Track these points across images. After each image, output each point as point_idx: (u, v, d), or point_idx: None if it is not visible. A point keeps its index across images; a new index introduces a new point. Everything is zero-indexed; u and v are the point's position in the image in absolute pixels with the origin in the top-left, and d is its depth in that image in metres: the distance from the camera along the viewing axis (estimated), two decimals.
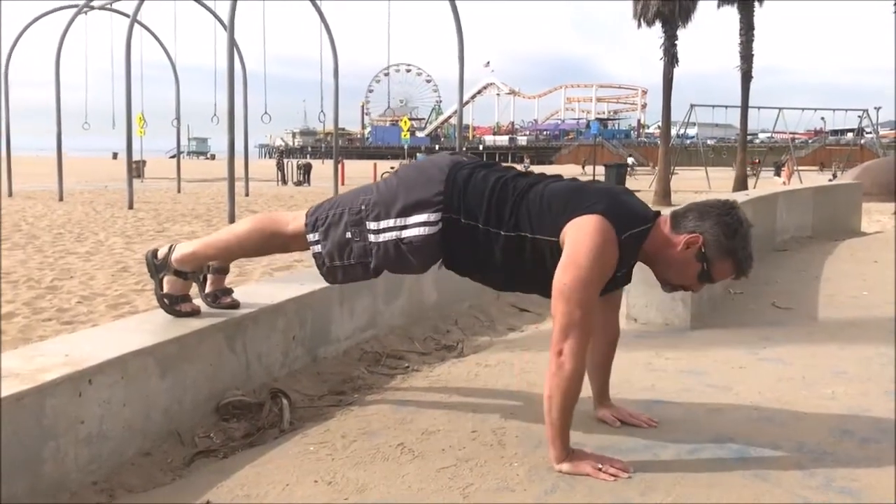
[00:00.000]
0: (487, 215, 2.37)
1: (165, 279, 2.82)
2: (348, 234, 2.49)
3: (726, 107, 33.33)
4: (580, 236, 2.22)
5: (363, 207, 2.48)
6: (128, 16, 19.70)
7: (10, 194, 21.29)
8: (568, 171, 56.89)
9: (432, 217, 2.39)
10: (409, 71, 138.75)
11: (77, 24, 21.63)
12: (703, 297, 4.76)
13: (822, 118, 75.73)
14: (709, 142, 66.81)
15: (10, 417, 1.99)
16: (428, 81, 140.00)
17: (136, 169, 24.90)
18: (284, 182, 34.62)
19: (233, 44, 14.84)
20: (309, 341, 3.38)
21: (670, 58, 22.95)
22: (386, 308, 4.04)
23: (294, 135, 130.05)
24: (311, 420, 2.82)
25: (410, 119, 50.57)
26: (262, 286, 3.47)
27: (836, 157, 49.48)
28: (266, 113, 22.74)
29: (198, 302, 2.93)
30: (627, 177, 25.31)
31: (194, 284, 2.92)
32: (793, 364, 3.51)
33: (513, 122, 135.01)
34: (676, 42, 23.07)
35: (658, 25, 23.05)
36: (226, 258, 2.92)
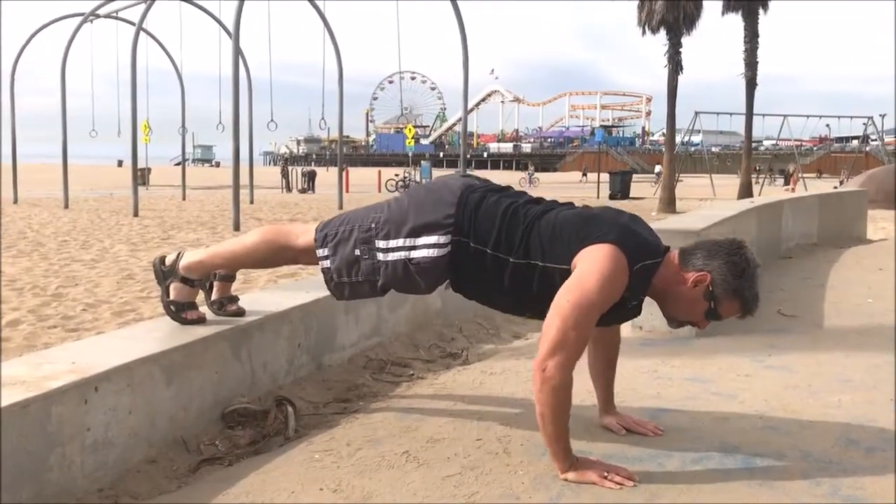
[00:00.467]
0: (497, 241, 2.37)
1: (172, 286, 2.82)
2: (357, 252, 2.49)
3: (731, 114, 33.38)
4: (591, 262, 2.21)
5: (373, 225, 2.47)
6: (133, 24, 19.80)
7: (16, 201, 21.36)
8: (572, 178, 56.92)
9: (442, 239, 2.39)
10: (413, 78, 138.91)
11: (83, 33, 21.77)
12: None
13: (828, 125, 75.34)
14: (713, 149, 66.75)
15: (16, 424, 2.00)
16: (432, 89, 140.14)
17: (141, 176, 24.98)
18: (289, 189, 34.68)
19: (238, 51, 14.90)
20: (314, 349, 3.38)
21: (675, 65, 22.95)
22: (391, 315, 4.04)
23: (298, 142, 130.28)
24: (316, 427, 2.83)
25: (415, 126, 50.66)
26: (267, 294, 3.47)
27: (841, 164, 49.41)
28: (272, 121, 22.78)
29: (203, 309, 2.94)
30: (653, 185, 25.26)
31: (201, 292, 2.93)
32: (798, 372, 3.50)
33: (517, 130, 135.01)
34: (681, 49, 23.07)
35: (662, 32, 23.05)
36: (233, 268, 2.93)
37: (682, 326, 2.44)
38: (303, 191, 33.92)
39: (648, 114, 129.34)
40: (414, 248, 2.41)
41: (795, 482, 2.23)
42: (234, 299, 3.02)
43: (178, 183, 27.88)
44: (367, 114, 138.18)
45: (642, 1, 23.21)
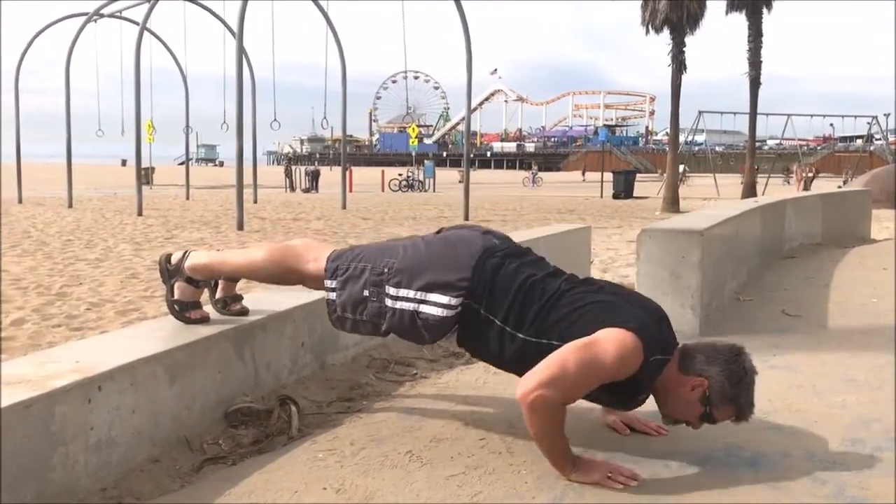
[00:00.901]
0: (508, 314, 2.35)
1: (177, 285, 2.83)
2: (366, 293, 2.47)
3: (735, 113, 33.48)
4: (610, 336, 2.19)
5: (386, 270, 2.45)
6: (137, 23, 19.83)
7: (20, 201, 21.40)
8: (574, 178, 56.89)
9: (453, 301, 2.37)
10: (416, 78, 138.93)
11: (87, 32, 21.79)
12: (712, 304, 4.75)
13: (832, 124, 75.44)
14: (717, 148, 66.64)
15: (19, 424, 2.00)
16: (436, 88, 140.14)
17: (145, 176, 25.03)
18: (293, 189, 34.72)
19: (241, 51, 14.91)
20: (317, 348, 3.38)
21: (678, 64, 22.92)
22: None
23: (302, 142, 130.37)
24: (319, 427, 2.82)
25: (418, 126, 50.65)
26: (271, 293, 3.47)
27: (845, 163, 49.30)
28: (275, 120, 22.80)
29: (207, 308, 2.94)
30: (680, 184, 25.14)
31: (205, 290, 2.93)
32: (803, 372, 3.50)
33: (520, 129, 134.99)
34: (684, 49, 23.04)
35: (666, 32, 23.02)
36: (238, 277, 2.93)
37: (678, 424, 2.42)
38: (306, 190, 33.94)
39: (652, 113, 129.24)
40: (424, 302, 2.39)
41: (800, 482, 2.23)
42: (238, 298, 3.02)
43: (182, 182, 27.95)
44: (371, 113, 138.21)
45: (646, 0, 23.17)
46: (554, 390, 2.13)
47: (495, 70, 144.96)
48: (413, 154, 43.26)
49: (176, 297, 2.83)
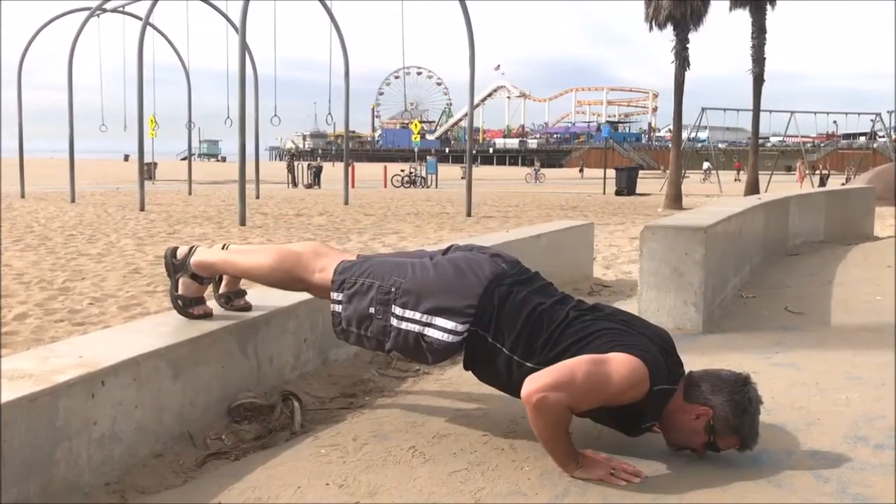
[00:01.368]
0: (516, 343, 2.35)
1: (181, 280, 2.83)
2: (372, 310, 2.46)
3: (738, 110, 33.29)
4: (619, 362, 2.19)
5: (393, 289, 2.44)
6: (140, 18, 19.80)
7: (23, 196, 21.42)
8: (574, 174, 56.85)
9: (459, 327, 2.37)
10: (419, 74, 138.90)
11: (90, 27, 21.79)
12: (715, 301, 4.74)
13: (835, 122, 75.31)
14: (720, 145, 66.56)
15: (23, 418, 2.00)
16: (438, 84, 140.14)
17: (147, 171, 25.04)
18: (295, 184, 34.72)
19: (244, 46, 14.90)
20: (320, 344, 3.38)
21: (682, 61, 22.87)
22: None
23: (304, 137, 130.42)
24: (322, 423, 2.83)
25: (421, 122, 50.60)
26: (274, 289, 3.47)
27: (848, 160, 49.23)
28: (276, 115, 22.80)
29: (211, 304, 2.94)
30: (702, 181, 25.12)
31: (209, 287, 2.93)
32: (806, 369, 3.49)
33: (523, 125, 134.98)
34: (688, 45, 22.99)
35: (669, 28, 22.98)
36: (242, 278, 2.93)
37: (681, 450, 2.42)
38: (309, 186, 33.95)
39: (655, 110, 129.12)
40: (429, 325, 2.39)
41: (803, 480, 2.23)
42: (242, 293, 3.02)
43: (185, 177, 27.94)
44: (373, 109, 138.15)
45: None
46: (559, 394, 2.13)
47: (498, 66, 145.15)
48: (415, 150, 43.22)
49: (180, 292, 2.83)
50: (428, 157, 40.06)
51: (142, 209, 17.32)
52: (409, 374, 3.49)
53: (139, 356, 2.41)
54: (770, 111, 33.71)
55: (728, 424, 2.26)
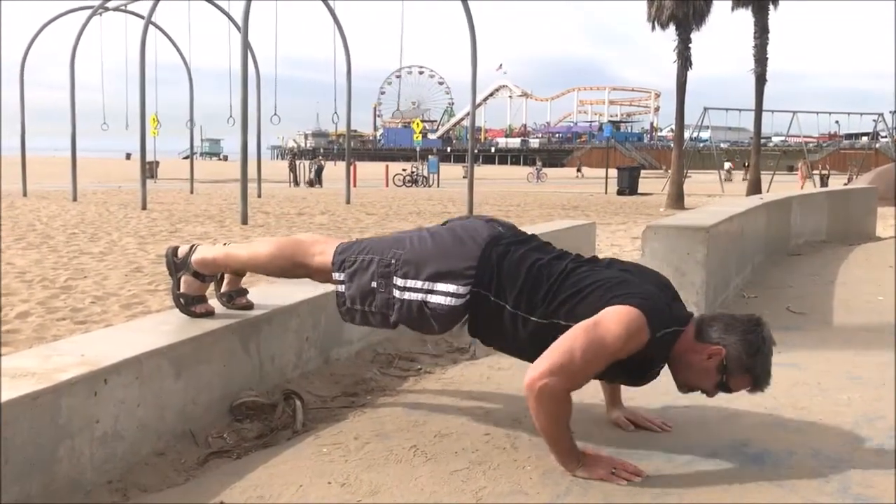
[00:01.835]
0: (518, 299, 2.36)
1: (183, 279, 2.83)
2: (374, 284, 2.48)
3: (740, 110, 33.28)
4: (614, 315, 2.19)
5: (393, 261, 2.46)
6: (142, 17, 19.80)
7: (25, 194, 21.43)
8: (573, 174, 56.77)
9: (461, 290, 2.38)
10: (421, 73, 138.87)
11: (92, 26, 21.78)
12: (716, 301, 4.74)
13: (837, 122, 75.16)
14: (722, 145, 66.49)
15: (26, 416, 2.01)
16: (440, 83, 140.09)
17: (149, 169, 25.01)
18: (297, 183, 34.73)
19: (246, 45, 14.90)
20: (322, 342, 3.39)
21: (684, 61, 22.85)
22: None
23: (306, 136, 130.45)
24: (323, 421, 2.83)
25: (423, 121, 50.60)
26: (275, 287, 3.47)
27: (850, 160, 49.16)
28: (275, 114, 22.79)
29: (212, 302, 2.94)
30: (725, 182, 25.09)
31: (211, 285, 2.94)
32: (808, 369, 3.49)
33: (525, 125, 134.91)
34: (690, 45, 22.97)
35: (672, 28, 22.96)
36: (245, 271, 2.94)
37: (692, 392, 2.42)
38: (311, 184, 33.96)
39: (657, 109, 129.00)
40: (431, 292, 2.40)
41: (805, 480, 2.23)
42: (244, 292, 3.02)
43: (186, 176, 27.94)
44: (375, 108, 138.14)
45: None
46: (561, 377, 2.14)
47: (500, 65, 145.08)
48: (417, 149, 43.22)
49: (182, 290, 2.84)
50: (430, 157, 40.07)
51: (144, 208, 17.31)
52: (410, 374, 3.49)
53: (141, 354, 2.41)
54: (772, 111, 33.63)
55: (741, 364, 2.26)
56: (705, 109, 32.63)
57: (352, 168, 23.92)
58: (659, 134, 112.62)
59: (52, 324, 5.82)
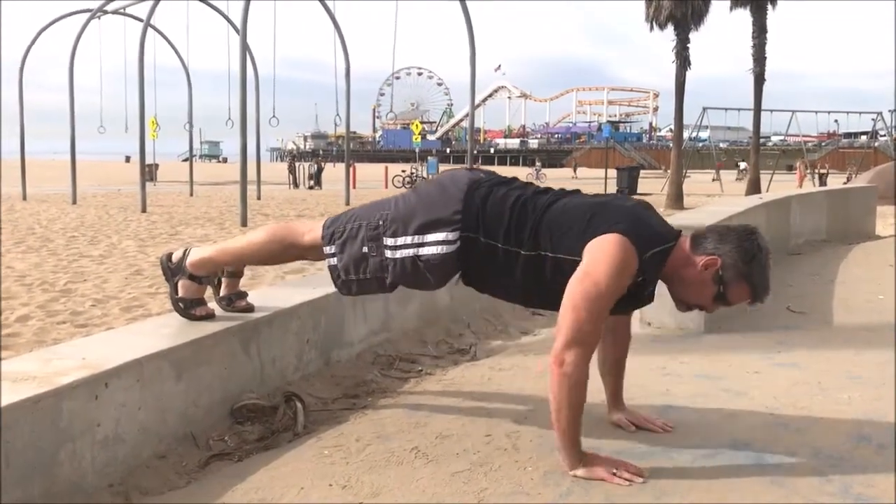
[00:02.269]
0: (507, 235, 2.36)
1: (180, 283, 2.83)
2: (365, 249, 2.49)
3: (739, 110, 33.27)
4: (600, 253, 2.20)
5: (381, 223, 2.47)
6: (141, 20, 19.80)
7: (24, 197, 21.43)
8: (571, 174, 56.79)
9: (451, 236, 2.38)
10: (420, 74, 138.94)
11: (91, 29, 21.78)
12: None
13: (836, 121, 75.26)
14: (721, 145, 66.50)
15: (27, 420, 2.01)
16: (439, 84, 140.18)
17: (148, 172, 25.03)
18: (296, 185, 34.72)
19: (245, 48, 14.90)
20: (322, 344, 3.39)
21: (682, 61, 22.86)
22: (399, 311, 4.04)
23: (305, 138, 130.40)
24: (324, 423, 2.83)
25: (422, 122, 50.58)
26: (275, 289, 3.48)
27: (849, 160, 49.17)
28: (274, 116, 22.79)
29: (212, 305, 2.94)
30: (736, 181, 25.12)
31: (209, 288, 2.93)
32: (808, 369, 3.49)
33: (524, 125, 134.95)
34: (689, 45, 22.98)
35: (670, 28, 22.97)
36: (241, 265, 2.94)
37: (691, 310, 2.43)
38: (310, 187, 33.95)
39: (656, 109, 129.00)
40: (422, 244, 2.41)
41: (806, 479, 2.22)
42: (243, 295, 3.02)
43: (186, 179, 27.93)
44: (374, 109, 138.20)
45: None
46: (579, 345, 2.14)
47: (499, 66, 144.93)
48: (416, 150, 43.20)
49: (180, 294, 2.84)
50: (429, 158, 40.01)
51: (143, 210, 17.31)
52: (411, 375, 3.49)
53: (142, 357, 2.42)
54: (771, 110, 33.66)
55: (738, 272, 2.26)
56: (704, 109, 32.66)
57: (351, 169, 23.91)
58: (658, 134, 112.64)
59: (52, 327, 5.82)
